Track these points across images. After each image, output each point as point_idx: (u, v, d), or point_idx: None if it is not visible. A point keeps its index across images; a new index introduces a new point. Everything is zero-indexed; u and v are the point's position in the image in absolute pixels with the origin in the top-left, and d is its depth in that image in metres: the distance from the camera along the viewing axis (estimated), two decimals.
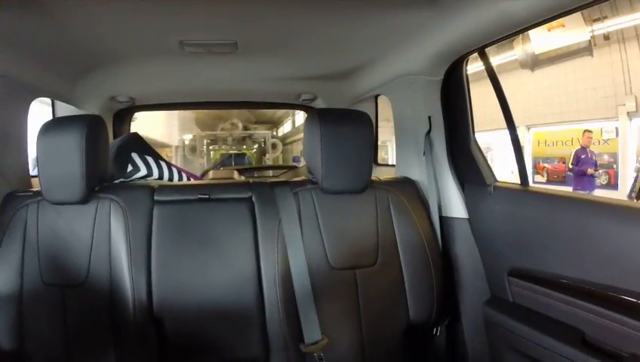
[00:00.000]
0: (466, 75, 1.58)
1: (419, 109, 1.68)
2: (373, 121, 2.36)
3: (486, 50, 1.45)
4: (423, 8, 1.29)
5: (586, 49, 8.53)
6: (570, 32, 8.27)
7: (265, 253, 1.44)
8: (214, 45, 1.63)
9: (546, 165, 9.46)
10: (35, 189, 1.49)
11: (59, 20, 1.33)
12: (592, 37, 8.34)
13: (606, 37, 8.18)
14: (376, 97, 2.34)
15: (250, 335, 1.44)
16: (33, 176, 1.64)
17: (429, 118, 1.63)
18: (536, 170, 9.49)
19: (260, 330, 1.43)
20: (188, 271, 1.45)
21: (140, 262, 1.42)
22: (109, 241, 1.42)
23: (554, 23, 1.22)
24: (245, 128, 12.07)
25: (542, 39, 8.64)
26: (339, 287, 1.45)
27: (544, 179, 9.30)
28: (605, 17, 7.92)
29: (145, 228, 1.46)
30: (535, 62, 9.18)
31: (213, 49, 1.67)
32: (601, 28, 8.15)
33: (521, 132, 9.12)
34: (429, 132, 1.63)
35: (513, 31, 1.24)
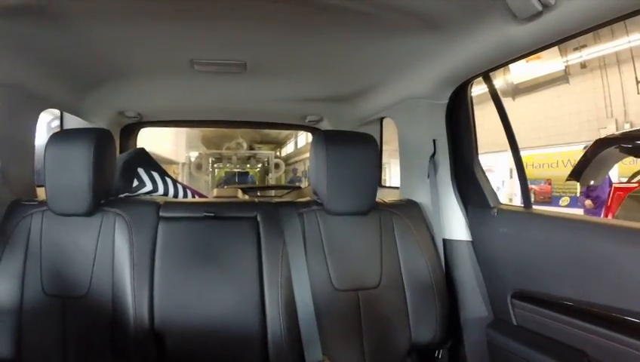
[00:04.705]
0: (471, 99, 1.53)
1: (424, 132, 1.63)
2: (378, 143, 2.30)
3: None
4: (428, 34, 1.26)
5: (563, 78, 8.70)
6: (547, 62, 8.44)
7: (268, 273, 1.37)
8: (224, 65, 1.60)
9: (534, 186, 9.46)
10: (40, 199, 1.43)
11: (72, 34, 1.29)
12: (566, 67, 8.49)
13: (583, 65, 8.32)
14: (381, 120, 2.29)
15: (251, 355, 1.37)
16: (39, 186, 1.58)
17: (434, 141, 1.58)
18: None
19: (262, 350, 1.35)
20: (191, 288, 1.38)
21: (142, 278, 1.35)
22: (112, 255, 1.36)
23: None
24: (250, 147, 12.12)
25: (520, 70, 8.78)
26: (342, 309, 1.38)
27: (531, 200, 9.26)
28: (584, 46, 8.03)
29: (149, 244, 1.39)
30: (516, 91, 9.33)
31: (223, 69, 1.63)
32: (577, 57, 8.27)
33: (509, 155, 9.11)
34: (433, 155, 1.58)
35: (517, 56, 1.20)
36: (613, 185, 4.51)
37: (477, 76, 1.41)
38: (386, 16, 1.18)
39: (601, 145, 3.82)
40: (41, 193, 1.47)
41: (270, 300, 1.35)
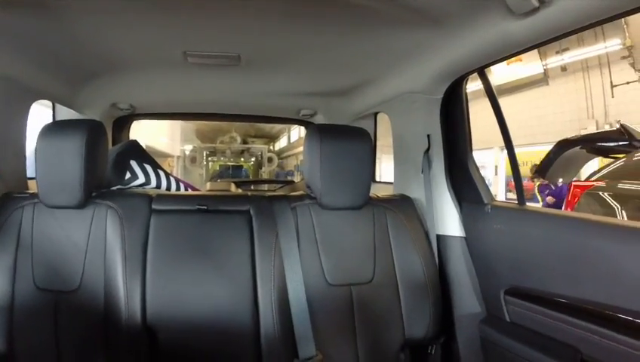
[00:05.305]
0: (466, 95, 1.49)
1: (418, 127, 1.58)
2: (372, 138, 2.25)
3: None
4: (424, 28, 1.22)
5: (542, 80, 8.79)
6: (528, 65, 8.50)
7: (261, 267, 1.32)
8: (217, 57, 1.55)
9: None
10: (31, 191, 1.37)
11: (64, 25, 1.25)
12: (545, 70, 8.62)
13: (563, 68, 8.41)
14: (375, 114, 2.24)
15: (244, 349, 1.32)
16: (30, 178, 1.53)
17: (428, 136, 1.53)
18: (509, 188, 9.51)
19: (254, 344, 1.30)
20: (183, 282, 1.33)
21: (134, 271, 1.29)
22: (104, 248, 1.30)
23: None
24: (244, 141, 12.03)
25: (501, 72, 8.82)
26: (335, 303, 1.34)
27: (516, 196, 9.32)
28: (566, 49, 8.08)
29: (141, 237, 1.34)
30: (498, 92, 9.34)
31: (216, 61, 1.58)
32: (558, 60, 8.34)
33: (495, 153, 9.19)
34: (427, 150, 1.53)
35: (513, 52, 1.17)
36: (572, 182, 4.69)
37: (473, 71, 1.37)
38: (382, 11, 1.14)
39: (562, 146, 4.07)
40: (32, 186, 1.41)
41: (263, 294, 1.30)
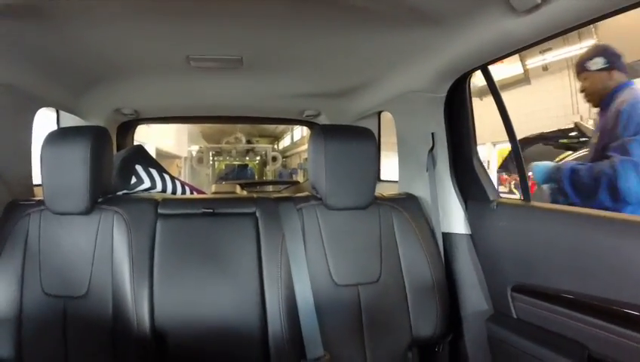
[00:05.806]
0: (469, 92, 1.42)
1: (422, 126, 1.52)
2: (377, 137, 2.20)
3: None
4: (426, 27, 1.16)
5: (525, 80, 8.84)
6: (509, 65, 8.52)
7: (268, 269, 1.27)
8: (220, 61, 1.50)
9: (507, 176, 9.47)
10: (37, 198, 1.33)
11: (67, 32, 1.21)
12: (525, 70, 8.66)
13: (544, 68, 8.45)
14: (379, 113, 2.18)
15: (252, 350, 1.27)
16: (36, 185, 1.49)
17: (432, 134, 1.47)
18: (500, 182, 9.50)
19: (262, 346, 1.26)
20: (190, 285, 1.29)
21: (142, 276, 1.25)
22: (111, 254, 1.26)
23: None
24: (248, 141, 11.94)
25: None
26: (342, 304, 1.29)
27: (507, 190, 9.33)
28: (549, 49, 8.08)
29: (148, 242, 1.29)
30: (482, 93, 9.31)
31: (219, 64, 1.53)
32: (539, 60, 8.35)
33: (487, 148, 9.16)
34: (432, 148, 1.47)
35: (515, 49, 1.11)
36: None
37: (475, 69, 1.31)
38: (384, 11, 1.09)
39: (524, 144, 4.30)
40: (38, 192, 1.38)
41: (270, 296, 1.25)
